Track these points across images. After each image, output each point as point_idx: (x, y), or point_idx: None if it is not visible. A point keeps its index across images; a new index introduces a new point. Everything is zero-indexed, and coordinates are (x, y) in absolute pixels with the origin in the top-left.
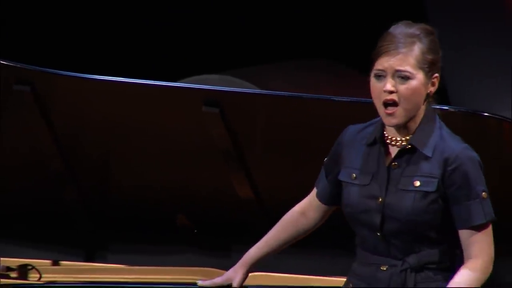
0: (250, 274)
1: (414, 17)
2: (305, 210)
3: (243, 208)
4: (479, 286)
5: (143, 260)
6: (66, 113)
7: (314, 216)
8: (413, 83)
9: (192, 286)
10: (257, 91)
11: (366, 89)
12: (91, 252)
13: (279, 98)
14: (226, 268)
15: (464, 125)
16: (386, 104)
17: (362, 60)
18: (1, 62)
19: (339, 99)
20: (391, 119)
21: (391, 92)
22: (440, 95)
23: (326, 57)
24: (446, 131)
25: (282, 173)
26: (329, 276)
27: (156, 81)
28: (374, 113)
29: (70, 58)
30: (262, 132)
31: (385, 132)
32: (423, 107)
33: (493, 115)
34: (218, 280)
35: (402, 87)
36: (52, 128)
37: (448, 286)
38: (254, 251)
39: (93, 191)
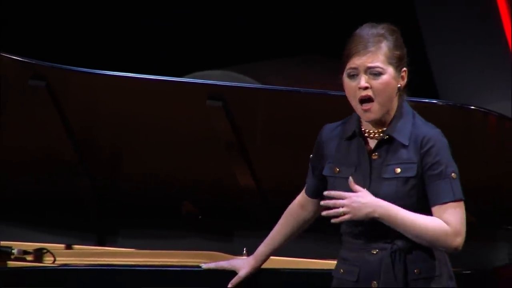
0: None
1: (404, 14)
2: (303, 203)
3: (244, 196)
4: (430, 237)
5: (150, 244)
6: (78, 106)
7: (312, 208)
8: (385, 77)
9: (197, 269)
10: (258, 86)
11: None
12: (102, 237)
13: (279, 92)
14: (228, 251)
15: (452, 117)
16: (362, 101)
17: None
18: (17, 58)
19: (335, 93)
20: (369, 114)
21: (365, 88)
22: (429, 89)
23: (321, 53)
24: (419, 119)
25: (281, 163)
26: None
27: (163, 76)
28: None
29: (82, 54)
30: (262, 125)
31: (362, 127)
32: (395, 101)
33: (479, 108)
34: (223, 264)
35: (376, 83)
36: (65, 121)
37: (408, 214)
38: (262, 248)
39: (104, 180)
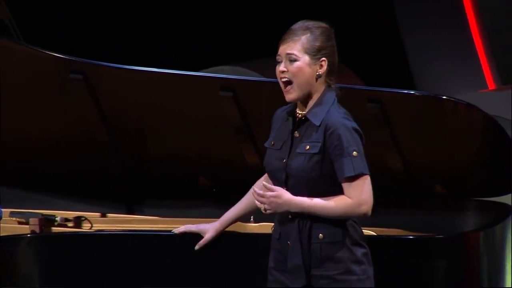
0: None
1: (382, 11)
2: (266, 177)
3: (251, 172)
4: (338, 213)
5: (171, 213)
6: (110, 96)
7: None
8: (299, 63)
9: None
10: (263, 79)
11: (348, 78)
12: (130, 207)
13: None
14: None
15: (426, 106)
16: (284, 83)
17: (345, 53)
18: (59, 55)
19: None
20: (288, 95)
21: (283, 72)
22: (406, 80)
23: None
24: (335, 107)
25: None
26: None
27: (182, 70)
28: (353, 97)
29: (114, 51)
30: (266, 112)
31: (297, 109)
32: (319, 88)
33: (450, 98)
34: (191, 228)
35: (291, 67)
36: (99, 108)
37: (315, 201)
38: (229, 214)
39: (132, 158)
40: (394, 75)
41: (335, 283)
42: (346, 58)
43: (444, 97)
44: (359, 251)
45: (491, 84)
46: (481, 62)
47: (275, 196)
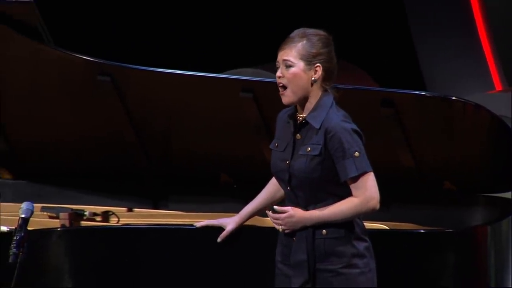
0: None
1: (395, 16)
2: None
3: (269, 169)
4: (349, 214)
5: (195, 208)
6: (137, 97)
7: None
8: (294, 69)
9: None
10: None
11: (362, 79)
12: (156, 202)
13: None
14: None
15: (435, 106)
16: (281, 88)
17: (352, 54)
18: (88, 58)
19: (342, 86)
20: (284, 98)
21: (279, 77)
22: (418, 82)
23: None
24: (334, 110)
25: None
26: None
27: (205, 73)
28: (367, 98)
29: (141, 54)
30: None
31: (297, 112)
32: (315, 93)
33: (459, 99)
34: (213, 222)
35: (286, 73)
36: (126, 108)
37: (325, 210)
38: (248, 208)
39: (157, 156)
40: (406, 77)
41: (338, 276)
42: (360, 60)
43: (454, 98)
44: (361, 245)
45: (498, 86)
46: (489, 64)
47: (288, 217)
